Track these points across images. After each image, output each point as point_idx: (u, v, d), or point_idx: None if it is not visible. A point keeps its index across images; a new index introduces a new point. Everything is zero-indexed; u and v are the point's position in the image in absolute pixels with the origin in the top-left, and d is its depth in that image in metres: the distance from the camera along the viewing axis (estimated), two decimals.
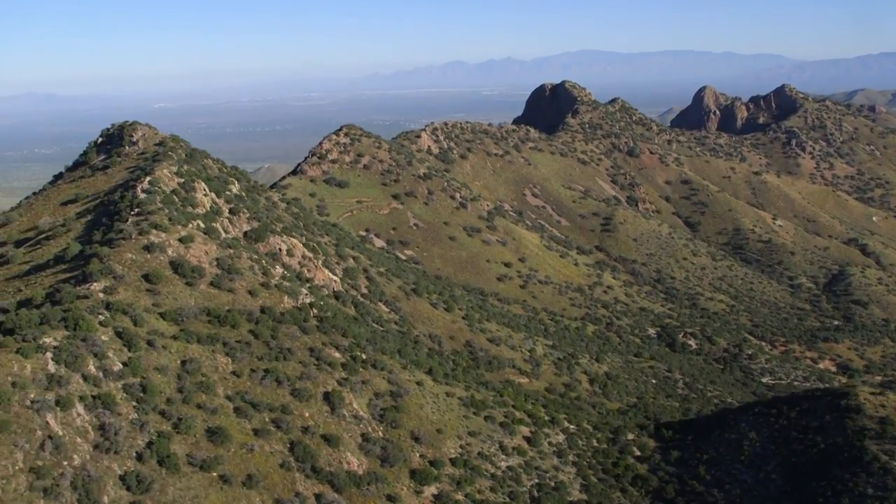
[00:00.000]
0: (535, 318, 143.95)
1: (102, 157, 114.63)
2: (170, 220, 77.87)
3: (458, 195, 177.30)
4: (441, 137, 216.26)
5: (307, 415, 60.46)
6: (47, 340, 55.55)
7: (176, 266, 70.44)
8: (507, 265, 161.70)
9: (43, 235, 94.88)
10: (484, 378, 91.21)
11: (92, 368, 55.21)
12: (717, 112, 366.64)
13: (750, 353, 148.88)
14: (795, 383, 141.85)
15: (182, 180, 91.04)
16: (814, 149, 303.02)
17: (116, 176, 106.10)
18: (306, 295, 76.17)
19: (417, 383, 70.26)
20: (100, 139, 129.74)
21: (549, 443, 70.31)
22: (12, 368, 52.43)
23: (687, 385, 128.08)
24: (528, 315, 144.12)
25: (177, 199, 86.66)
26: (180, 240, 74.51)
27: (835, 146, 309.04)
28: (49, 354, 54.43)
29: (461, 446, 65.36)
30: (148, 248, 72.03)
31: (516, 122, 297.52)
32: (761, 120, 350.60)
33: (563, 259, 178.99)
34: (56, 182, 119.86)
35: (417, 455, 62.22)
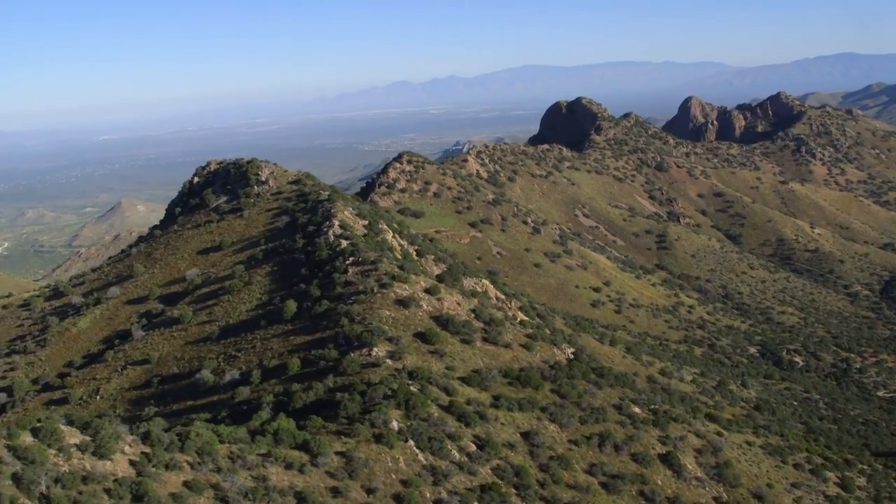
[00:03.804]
0: (642, 343, 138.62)
1: (225, 198, 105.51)
2: (401, 268, 70.16)
3: (529, 220, 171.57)
4: (486, 160, 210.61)
5: (659, 482, 53.64)
6: (396, 425, 47.73)
7: (443, 322, 62.86)
8: (595, 290, 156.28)
9: (204, 290, 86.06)
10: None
11: (455, 454, 47.56)
12: (715, 122, 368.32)
13: (858, 366, 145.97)
14: None
15: (366, 222, 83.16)
16: (823, 155, 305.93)
17: (258, 219, 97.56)
18: (568, 345, 69.21)
19: (717, 434, 63.91)
20: (196, 178, 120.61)
21: (858, 486, 64.69)
22: (387, 462, 44.59)
23: (828, 405, 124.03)
24: (635, 341, 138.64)
25: (372, 243, 78.91)
26: (427, 291, 66.88)
27: (842, 151, 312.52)
28: (412, 442, 46.68)
29: (794, 500, 59.23)
30: (403, 303, 64.31)
31: (532, 140, 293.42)
32: (760, 128, 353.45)
33: (640, 280, 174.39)
34: (167, 228, 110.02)
35: None
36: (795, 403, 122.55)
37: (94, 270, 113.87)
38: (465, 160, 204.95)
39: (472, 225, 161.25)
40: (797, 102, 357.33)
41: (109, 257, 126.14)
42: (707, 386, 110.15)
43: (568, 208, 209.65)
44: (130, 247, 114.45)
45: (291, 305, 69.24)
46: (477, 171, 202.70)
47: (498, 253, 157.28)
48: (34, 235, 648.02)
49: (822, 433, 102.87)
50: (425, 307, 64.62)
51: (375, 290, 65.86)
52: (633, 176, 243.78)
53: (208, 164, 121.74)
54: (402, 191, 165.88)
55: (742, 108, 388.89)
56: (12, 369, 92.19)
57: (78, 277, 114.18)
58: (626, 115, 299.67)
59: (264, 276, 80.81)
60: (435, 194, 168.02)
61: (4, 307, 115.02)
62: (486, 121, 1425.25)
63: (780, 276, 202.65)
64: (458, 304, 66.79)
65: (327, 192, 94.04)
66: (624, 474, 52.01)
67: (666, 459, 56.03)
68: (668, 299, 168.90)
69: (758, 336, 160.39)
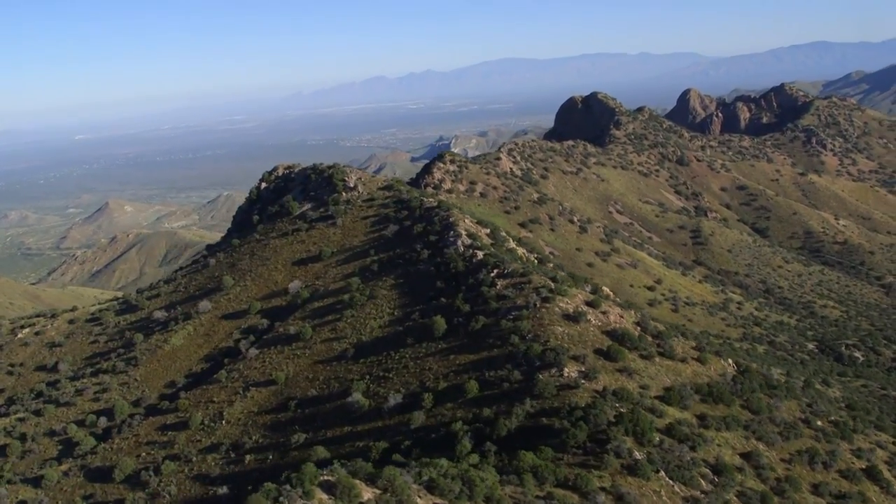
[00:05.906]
0: (707, 341, 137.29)
1: (310, 205, 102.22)
2: (554, 280, 67.74)
3: (575, 219, 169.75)
4: (519, 158, 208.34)
5: (874, 499, 51.87)
6: (638, 454, 45.39)
7: (618, 336, 60.56)
8: (649, 289, 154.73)
9: (317, 304, 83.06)
10: None
11: (702, 482, 45.35)
12: (719, 114, 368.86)
13: None
14: None
15: (488, 230, 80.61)
16: (834, 146, 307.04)
17: (354, 227, 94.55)
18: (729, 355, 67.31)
19: (893, 443, 62.41)
20: (264, 184, 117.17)
21: None
22: (651, 497, 42.32)
23: None
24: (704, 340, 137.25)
25: (503, 252, 76.35)
26: (588, 304, 64.56)
27: (851, 141, 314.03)
28: (662, 472, 44.38)
29: None
30: (571, 318, 61.88)
31: (548, 136, 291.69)
32: (765, 120, 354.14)
33: (686, 277, 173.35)
34: (247, 237, 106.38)
35: None
36: (876, 401, 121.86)
37: (167, 282, 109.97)
38: (499, 158, 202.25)
39: (522, 225, 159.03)
40: (801, 93, 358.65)
41: (182, 268, 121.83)
42: (798, 386, 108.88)
43: (601, 205, 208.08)
44: (205, 257, 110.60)
45: (441, 322, 66.45)
46: (510, 168, 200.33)
47: (551, 253, 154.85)
48: (19, 238, 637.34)
49: None
50: (594, 321, 62.26)
51: (538, 305, 63.35)
52: (656, 171, 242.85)
53: (275, 168, 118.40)
54: (449, 191, 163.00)
55: (744, 99, 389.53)
56: (105, 390, 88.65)
57: (150, 289, 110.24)
58: (640, 109, 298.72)
59: (389, 290, 77.88)
60: (481, 194, 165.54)
61: (71, 322, 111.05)
62: (465, 115, 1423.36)
63: (815, 270, 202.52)
64: (621, 316, 64.55)
65: (434, 200, 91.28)
66: (847, 493, 50.23)
67: (870, 474, 54.30)
68: (717, 296, 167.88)
69: (810, 332, 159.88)
